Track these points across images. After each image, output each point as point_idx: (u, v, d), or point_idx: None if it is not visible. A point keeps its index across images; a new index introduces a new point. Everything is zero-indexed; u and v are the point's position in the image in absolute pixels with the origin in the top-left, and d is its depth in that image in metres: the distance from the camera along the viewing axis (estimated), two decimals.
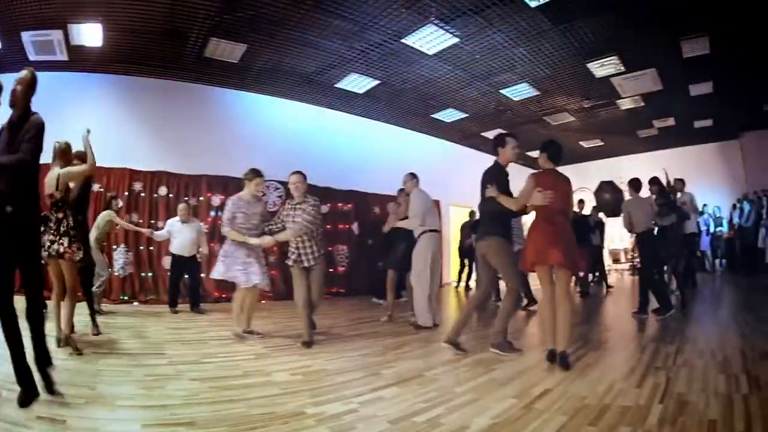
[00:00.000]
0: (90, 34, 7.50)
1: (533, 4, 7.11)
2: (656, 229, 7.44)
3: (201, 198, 9.94)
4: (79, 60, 8.44)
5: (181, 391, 3.42)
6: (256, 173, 5.72)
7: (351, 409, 3.07)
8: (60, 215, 4.64)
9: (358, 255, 11.81)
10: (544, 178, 4.23)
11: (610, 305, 9.02)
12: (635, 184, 7.33)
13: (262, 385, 3.67)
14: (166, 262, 8.98)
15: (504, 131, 5.65)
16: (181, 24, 7.50)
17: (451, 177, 14.24)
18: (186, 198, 9.43)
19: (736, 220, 12.84)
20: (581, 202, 11.26)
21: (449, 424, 2.80)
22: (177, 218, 8.00)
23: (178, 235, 7.86)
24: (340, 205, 12.00)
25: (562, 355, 4.03)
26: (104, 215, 7.27)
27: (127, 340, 5.34)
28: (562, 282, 4.18)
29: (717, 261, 14.70)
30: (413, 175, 6.74)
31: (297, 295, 5.38)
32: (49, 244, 4.55)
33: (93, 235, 7.04)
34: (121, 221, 7.68)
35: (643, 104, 11.75)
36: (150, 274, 9.22)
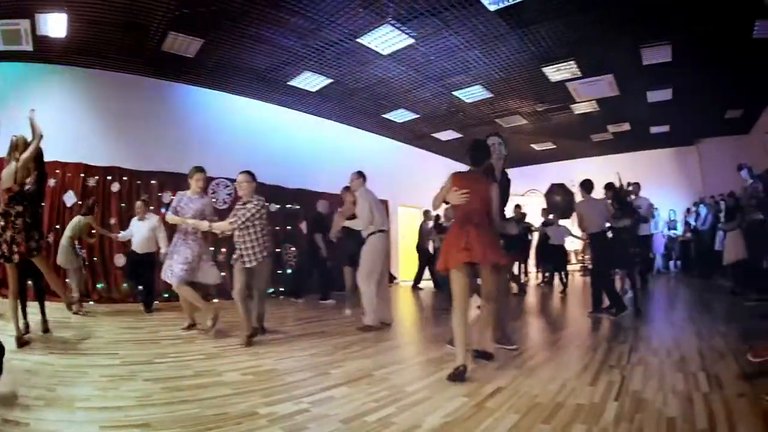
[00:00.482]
0: (55, 23, 7.40)
1: (492, 8, 7.20)
2: (609, 231, 7.45)
3: (148, 194, 9.65)
4: (43, 50, 8.24)
5: (135, 392, 3.36)
6: (196, 169, 5.95)
7: (302, 409, 3.07)
8: (19, 208, 4.59)
9: (306, 254, 11.59)
10: (460, 178, 4.17)
11: (561, 305, 9.16)
12: (587, 185, 7.32)
13: (214, 385, 3.63)
14: (118, 260, 8.98)
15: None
16: (142, 17, 7.37)
17: (401, 177, 14.37)
18: (144, 197, 9.15)
19: (692, 223, 13.19)
20: (518, 207, 11.48)
21: (401, 423, 2.81)
22: (136, 217, 7.95)
23: (136, 232, 7.80)
24: (288, 205, 11.95)
25: (484, 351, 4.22)
26: (84, 219, 7.43)
27: (81, 339, 5.25)
28: (489, 281, 4.13)
29: (671, 262, 15.21)
30: (360, 174, 6.64)
31: (234, 289, 5.44)
32: (9, 240, 4.48)
33: (67, 236, 7.26)
34: (98, 227, 7.89)
35: (598, 109, 12.02)
36: (102, 273, 9.04)
